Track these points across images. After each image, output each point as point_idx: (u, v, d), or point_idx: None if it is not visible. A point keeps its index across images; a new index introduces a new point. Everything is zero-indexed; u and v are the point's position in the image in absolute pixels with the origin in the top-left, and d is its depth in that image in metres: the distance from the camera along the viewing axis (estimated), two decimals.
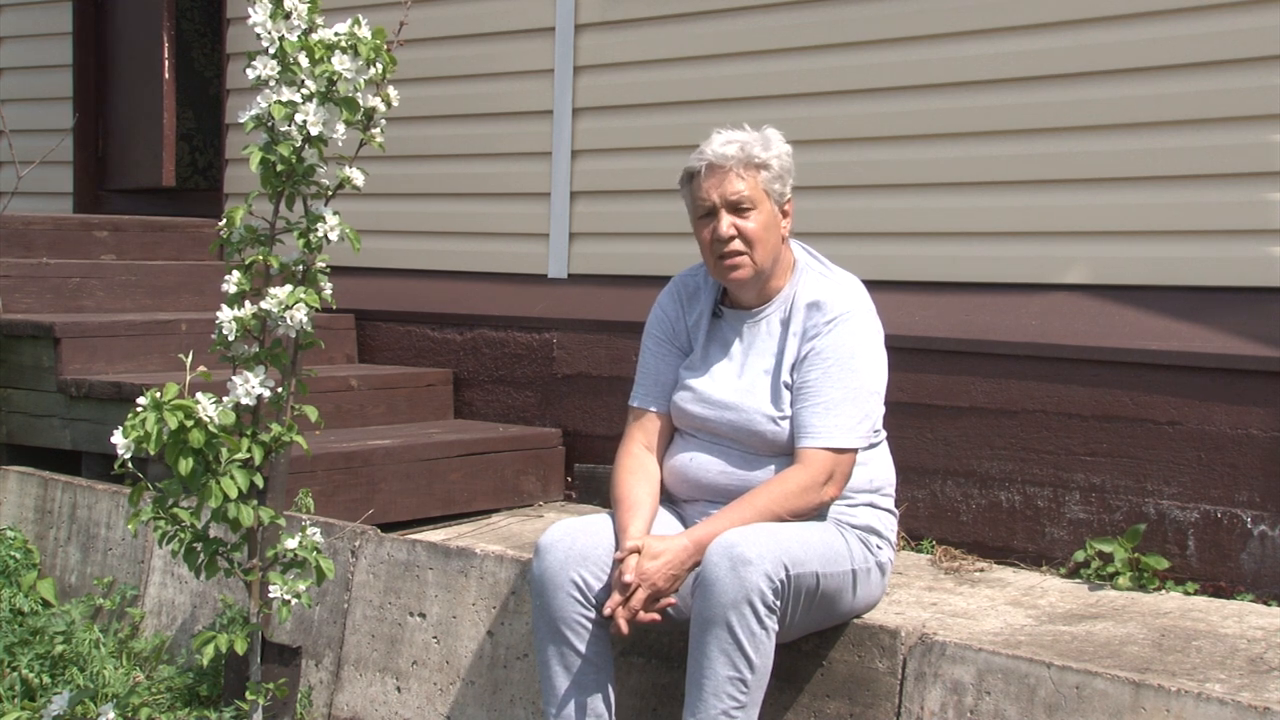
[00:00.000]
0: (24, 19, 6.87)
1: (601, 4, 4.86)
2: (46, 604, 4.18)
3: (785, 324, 3.04)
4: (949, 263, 4.18)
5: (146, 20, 6.46)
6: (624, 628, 2.79)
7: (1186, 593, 3.52)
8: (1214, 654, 2.94)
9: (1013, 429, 3.91)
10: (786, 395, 3.00)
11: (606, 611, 2.81)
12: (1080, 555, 3.64)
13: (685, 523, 3.05)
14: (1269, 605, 3.43)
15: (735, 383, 3.04)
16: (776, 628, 2.75)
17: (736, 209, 2.97)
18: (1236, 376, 3.58)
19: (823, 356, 2.96)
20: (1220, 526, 3.60)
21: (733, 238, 2.97)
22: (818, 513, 2.96)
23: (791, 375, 3.00)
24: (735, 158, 2.97)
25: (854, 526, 3.03)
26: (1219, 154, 3.74)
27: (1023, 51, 4.02)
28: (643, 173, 4.76)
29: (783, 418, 2.98)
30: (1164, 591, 3.52)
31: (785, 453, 2.98)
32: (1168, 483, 3.67)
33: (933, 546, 3.97)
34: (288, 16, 2.92)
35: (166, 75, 6.37)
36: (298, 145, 2.94)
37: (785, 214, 3.04)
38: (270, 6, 2.91)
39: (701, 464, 3.04)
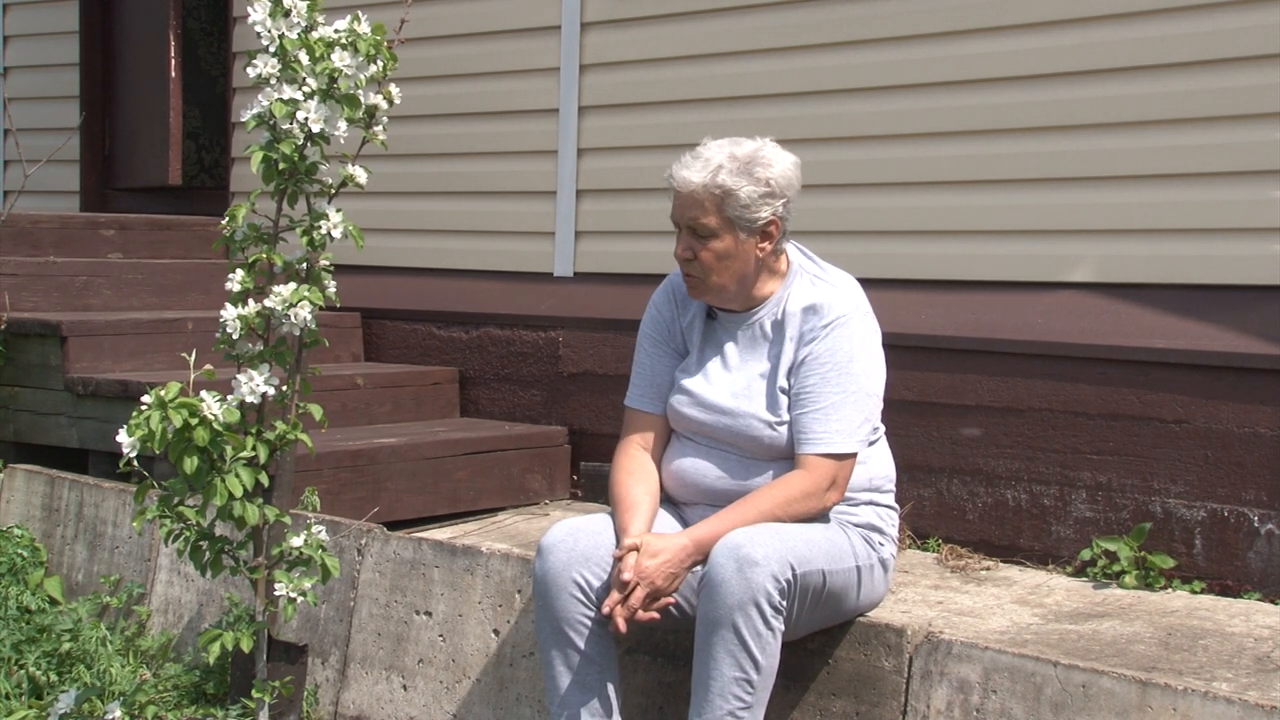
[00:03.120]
0: (31, 18, 6.88)
1: (607, 2, 4.86)
2: (53, 602, 4.19)
3: (779, 327, 3.01)
4: (954, 261, 4.18)
5: (153, 19, 6.47)
6: (622, 626, 2.78)
7: (1193, 591, 3.51)
8: (1221, 653, 2.93)
9: (1019, 428, 3.90)
10: (783, 400, 2.98)
11: (605, 610, 2.80)
12: (1086, 554, 3.64)
13: (685, 524, 3.03)
14: (1276, 604, 3.42)
15: (732, 387, 3.02)
16: (783, 628, 2.75)
17: (694, 234, 2.96)
18: (1243, 375, 3.57)
19: (820, 361, 2.95)
20: (1227, 525, 3.59)
21: (688, 260, 2.98)
22: (820, 517, 2.96)
23: (788, 380, 2.98)
24: (697, 184, 2.91)
25: (856, 525, 3.02)
26: (1225, 152, 3.73)
27: (1027, 49, 4.02)
28: (649, 171, 4.75)
29: (780, 423, 2.97)
30: (1170, 590, 3.51)
31: (783, 457, 2.97)
32: (1174, 481, 3.66)
33: (939, 545, 3.96)
34: (287, 15, 2.92)
35: (172, 74, 6.38)
36: (300, 143, 2.95)
37: (767, 235, 2.95)
38: (270, 5, 2.92)
39: (700, 469, 3.03)
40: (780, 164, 2.95)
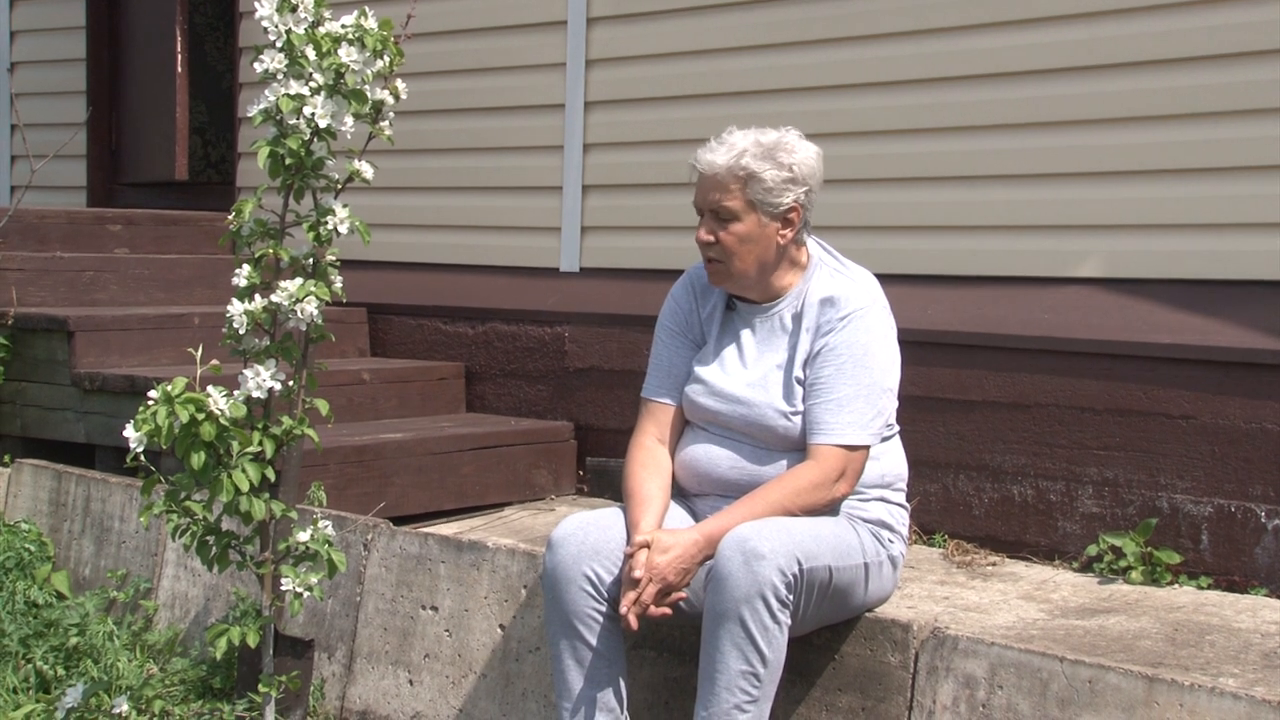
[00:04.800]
0: (38, 13, 6.89)
1: None
2: (60, 596, 4.20)
3: (798, 319, 3.03)
4: (961, 256, 4.17)
5: (159, 14, 6.48)
6: (634, 623, 2.79)
7: (1199, 587, 3.51)
8: (1228, 648, 2.93)
9: (1025, 423, 3.89)
10: (799, 391, 2.99)
11: (623, 610, 2.80)
12: (1093, 549, 3.63)
13: (696, 517, 3.04)
14: None
15: (747, 377, 3.04)
16: (789, 622, 2.75)
17: (717, 217, 2.97)
18: (1251, 370, 3.57)
19: (836, 353, 2.96)
20: (1234, 521, 3.58)
21: (709, 244, 2.99)
22: (829, 509, 2.96)
23: (804, 371, 2.99)
24: (722, 166, 2.94)
25: (866, 520, 3.03)
26: (1234, 147, 3.72)
27: (1035, 44, 4.01)
28: (655, 166, 4.76)
29: (794, 413, 2.98)
30: (1177, 586, 3.51)
31: (797, 448, 2.98)
32: (1181, 477, 3.66)
33: (945, 540, 3.96)
34: (294, 10, 2.92)
35: (179, 69, 6.39)
36: (306, 138, 2.95)
37: (789, 222, 2.98)
38: (277, 0, 2.92)
39: (713, 457, 3.04)
40: (803, 152, 2.99)
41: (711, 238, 2.98)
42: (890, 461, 3.10)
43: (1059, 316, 3.91)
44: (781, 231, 2.99)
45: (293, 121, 2.93)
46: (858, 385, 2.94)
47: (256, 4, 2.95)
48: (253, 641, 3.05)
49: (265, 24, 2.93)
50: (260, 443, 2.95)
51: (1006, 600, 3.32)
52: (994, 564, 3.75)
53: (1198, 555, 3.61)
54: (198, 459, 2.84)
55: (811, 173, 2.99)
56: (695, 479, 3.08)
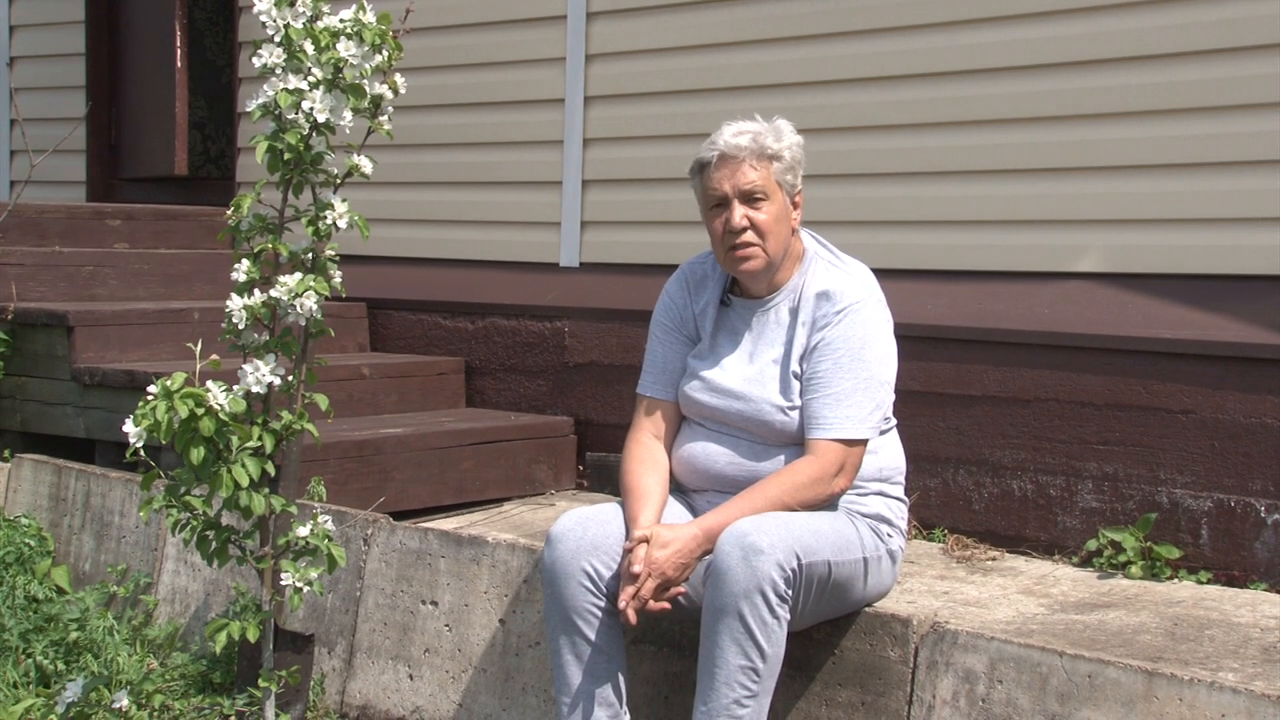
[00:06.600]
0: (37, 8, 6.89)
1: None
2: (61, 591, 4.20)
3: (794, 313, 3.03)
4: (961, 251, 4.17)
5: (159, 9, 6.48)
6: (633, 617, 2.79)
7: (1199, 582, 3.51)
8: (1227, 643, 2.93)
9: (1025, 418, 3.89)
10: (796, 385, 2.99)
11: (621, 605, 2.80)
12: (1092, 544, 3.63)
13: (695, 512, 3.04)
14: None
15: (744, 372, 3.04)
16: (788, 617, 2.75)
17: (749, 200, 2.96)
18: (1250, 365, 3.57)
19: (833, 347, 2.96)
20: (1234, 515, 3.58)
21: (745, 229, 2.96)
22: (828, 504, 2.96)
23: (801, 365, 2.99)
24: (748, 148, 2.95)
25: (864, 515, 3.03)
26: (1233, 141, 3.72)
27: (1035, 39, 4.01)
28: (655, 161, 4.75)
29: (792, 408, 2.98)
30: (1176, 581, 3.51)
31: (795, 443, 2.98)
32: (1181, 471, 3.66)
33: (945, 535, 3.96)
34: (293, 4, 2.92)
35: (179, 64, 6.39)
36: (305, 133, 2.95)
37: (796, 205, 3.03)
38: None
39: (710, 454, 3.04)
40: (797, 135, 3.04)
41: (746, 223, 2.97)
42: (888, 455, 3.10)
43: (1058, 311, 3.91)
44: (793, 215, 3.01)
45: (291, 116, 2.93)
46: (855, 379, 2.94)
47: None
48: (253, 636, 3.05)
49: (264, 19, 2.93)
50: (260, 438, 2.95)
51: (1006, 595, 3.33)
52: (993, 559, 3.75)
53: (1197, 550, 3.61)
54: (197, 454, 2.84)
55: (803, 155, 3.03)
56: (694, 475, 3.08)
